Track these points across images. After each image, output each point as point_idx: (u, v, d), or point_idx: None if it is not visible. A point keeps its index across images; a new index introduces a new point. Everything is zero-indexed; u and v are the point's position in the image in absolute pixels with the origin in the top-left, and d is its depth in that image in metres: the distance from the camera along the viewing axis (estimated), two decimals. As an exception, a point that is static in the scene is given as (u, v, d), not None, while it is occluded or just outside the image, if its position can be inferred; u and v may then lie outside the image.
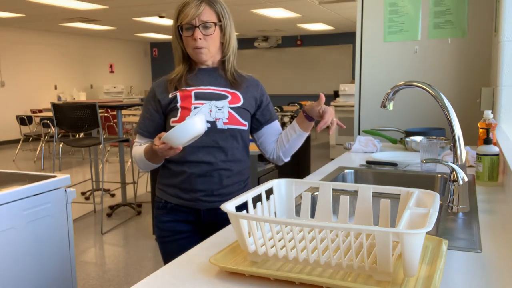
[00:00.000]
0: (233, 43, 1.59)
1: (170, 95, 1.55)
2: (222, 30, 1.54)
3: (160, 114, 1.57)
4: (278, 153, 1.63)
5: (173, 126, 1.47)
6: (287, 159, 1.66)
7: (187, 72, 1.58)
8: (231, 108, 1.53)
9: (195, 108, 1.51)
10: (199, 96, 1.53)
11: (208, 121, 1.50)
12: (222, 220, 1.52)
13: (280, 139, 1.63)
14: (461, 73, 2.73)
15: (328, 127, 1.48)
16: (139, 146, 1.58)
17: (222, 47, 1.58)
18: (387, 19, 2.83)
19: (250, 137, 1.67)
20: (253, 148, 1.82)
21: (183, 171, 1.54)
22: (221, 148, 1.53)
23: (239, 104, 1.55)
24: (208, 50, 1.52)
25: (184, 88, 1.55)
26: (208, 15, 1.49)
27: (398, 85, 1.50)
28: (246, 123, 1.56)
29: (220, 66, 1.60)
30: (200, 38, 1.48)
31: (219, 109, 1.51)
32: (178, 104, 1.52)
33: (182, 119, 1.50)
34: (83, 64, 12.17)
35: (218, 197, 1.55)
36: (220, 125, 1.51)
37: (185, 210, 1.57)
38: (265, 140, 1.65)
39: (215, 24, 1.51)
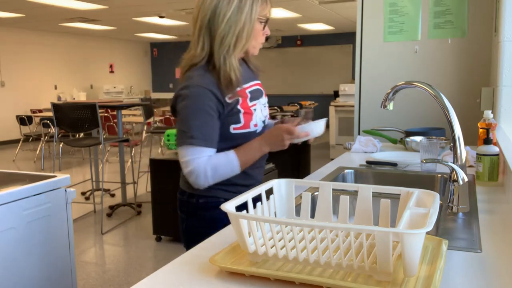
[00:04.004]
0: None
1: (230, 98, 1.39)
2: None
3: (218, 120, 1.39)
4: None
5: (235, 134, 1.41)
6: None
7: None
8: (267, 102, 1.58)
9: (255, 110, 1.45)
10: (253, 96, 1.46)
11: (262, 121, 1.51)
12: None
13: None
14: (461, 73, 2.73)
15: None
16: (214, 156, 1.37)
17: None
18: (387, 19, 2.83)
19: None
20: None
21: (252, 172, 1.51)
22: None
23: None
24: None
25: (240, 87, 1.41)
26: None
27: (398, 85, 1.50)
28: None
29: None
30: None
31: (264, 106, 1.53)
32: (239, 108, 1.41)
33: (246, 126, 1.42)
34: (83, 64, 12.16)
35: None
36: (266, 121, 1.55)
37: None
38: None
39: None
